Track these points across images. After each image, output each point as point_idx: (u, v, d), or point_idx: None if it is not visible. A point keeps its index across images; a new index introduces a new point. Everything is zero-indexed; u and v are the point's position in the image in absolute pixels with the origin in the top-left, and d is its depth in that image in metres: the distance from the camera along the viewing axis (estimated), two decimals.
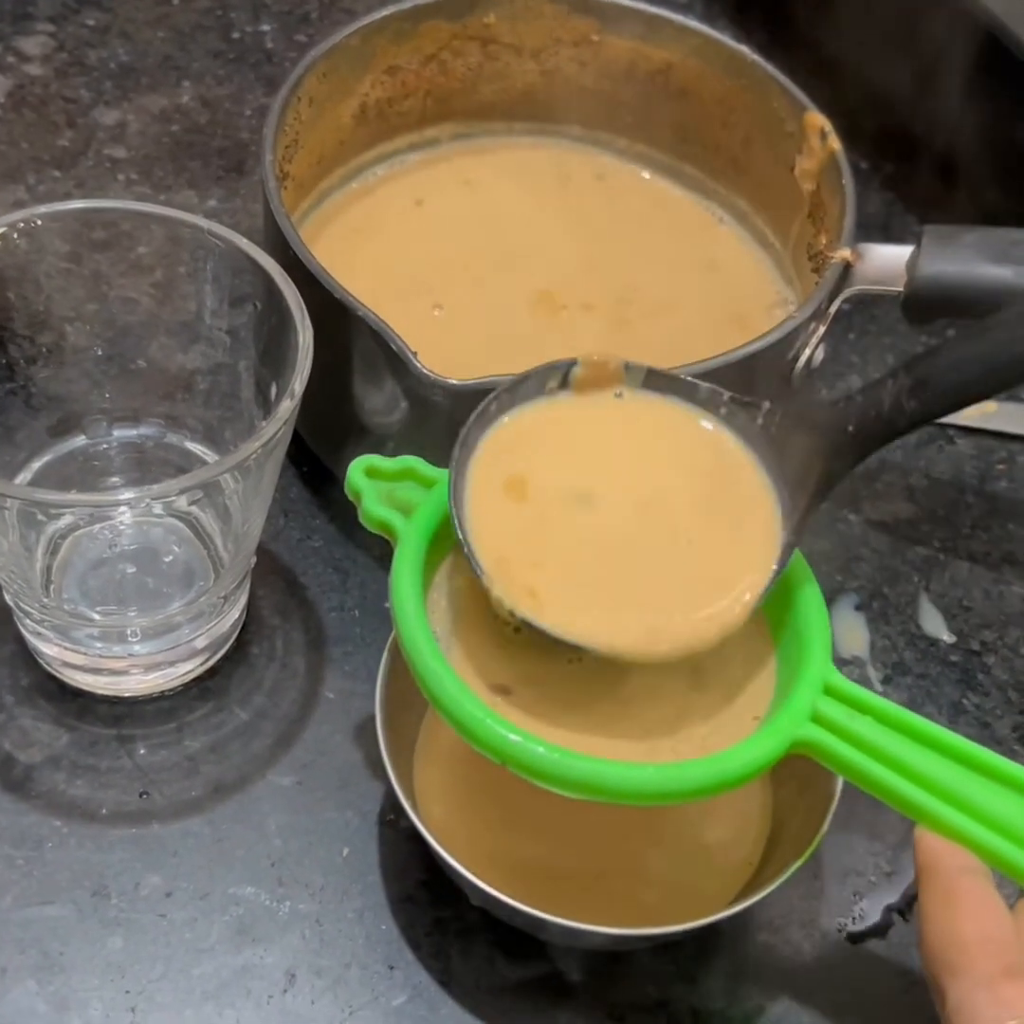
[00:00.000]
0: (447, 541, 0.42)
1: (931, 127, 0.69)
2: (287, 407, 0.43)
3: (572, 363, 0.43)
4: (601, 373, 0.43)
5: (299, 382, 0.44)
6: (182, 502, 0.43)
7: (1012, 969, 0.35)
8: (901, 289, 0.51)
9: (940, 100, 0.69)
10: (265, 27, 0.74)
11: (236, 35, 0.74)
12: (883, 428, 0.42)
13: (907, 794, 0.38)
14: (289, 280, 0.45)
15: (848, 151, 0.71)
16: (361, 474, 0.43)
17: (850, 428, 0.42)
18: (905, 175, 0.71)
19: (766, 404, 0.42)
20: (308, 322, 0.44)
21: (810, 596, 0.41)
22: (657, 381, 0.43)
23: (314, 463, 0.56)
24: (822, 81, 0.71)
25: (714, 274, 0.60)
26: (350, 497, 0.43)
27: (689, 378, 0.43)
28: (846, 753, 0.39)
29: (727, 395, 0.43)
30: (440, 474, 0.42)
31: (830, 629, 0.41)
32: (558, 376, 0.43)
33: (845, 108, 0.71)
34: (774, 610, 0.42)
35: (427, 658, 0.39)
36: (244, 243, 0.46)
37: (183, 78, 0.71)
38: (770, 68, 0.58)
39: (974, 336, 0.42)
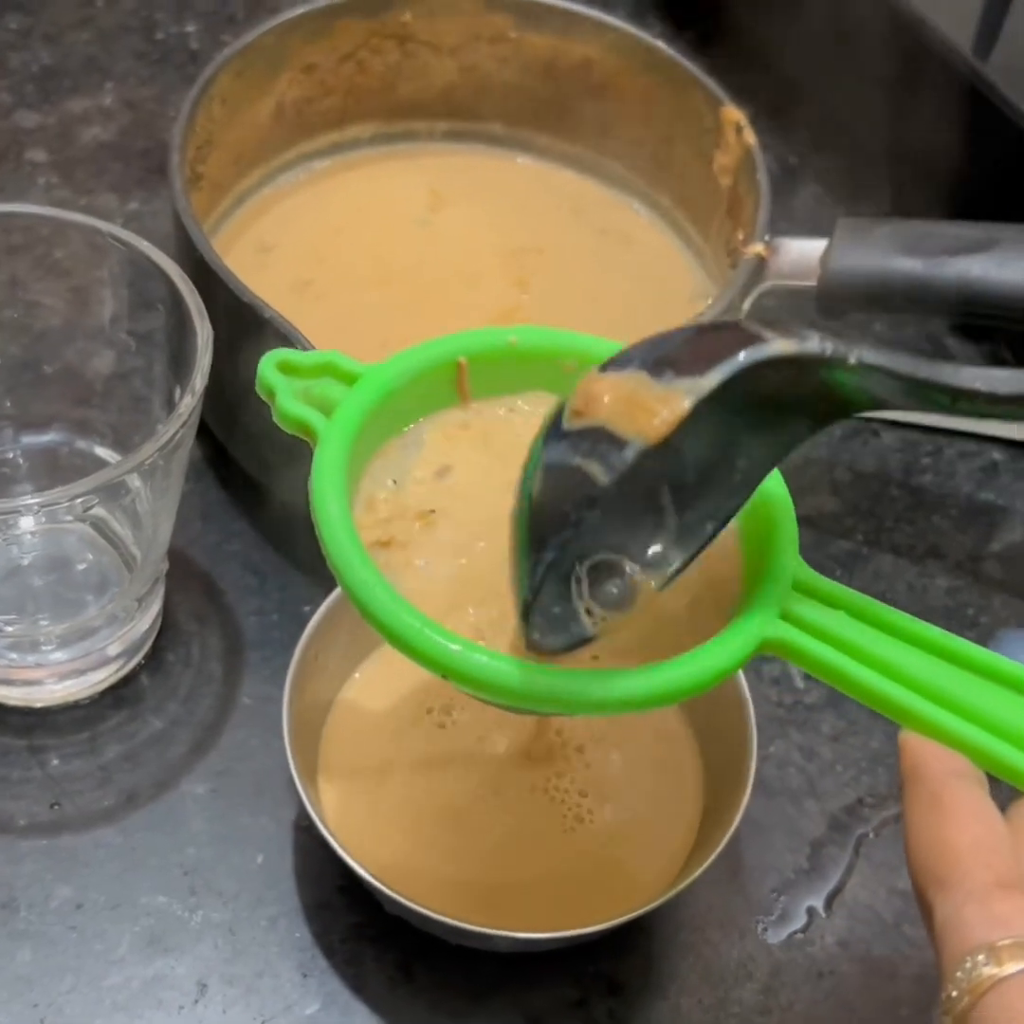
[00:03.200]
0: (372, 442, 0.38)
1: (860, 121, 0.69)
2: (187, 404, 0.43)
3: None
4: None
5: (200, 379, 0.43)
6: (82, 506, 0.42)
7: (1006, 880, 0.32)
8: (815, 283, 0.51)
9: (867, 94, 0.69)
10: (190, 28, 0.74)
11: (160, 36, 0.73)
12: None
13: (890, 694, 0.34)
14: (188, 280, 0.45)
15: (779, 145, 0.71)
16: (273, 369, 0.38)
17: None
18: (834, 169, 0.71)
19: None
20: (206, 320, 0.44)
21: (774, 489, 0.37)
22: None
23: (232, 466, 0.56)
24: (753, 76, 0.71)
25: (637, 271, 0.60)
26: (261, 395, 0.38)
27: None
28: (820, 652, 0.35)
29: None
30: (362, 369, 0.38)
31: (796, 522, 0.37)
32: None
33: (776, 103, 0.72)
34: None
35: (355, 566, 0.34)
36: (145, 246, 0.46)
37: (106, 80, 0.71)
38: (687, 63, 0.57)
39: None
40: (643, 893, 0.43)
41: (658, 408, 0.31)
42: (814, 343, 0.32)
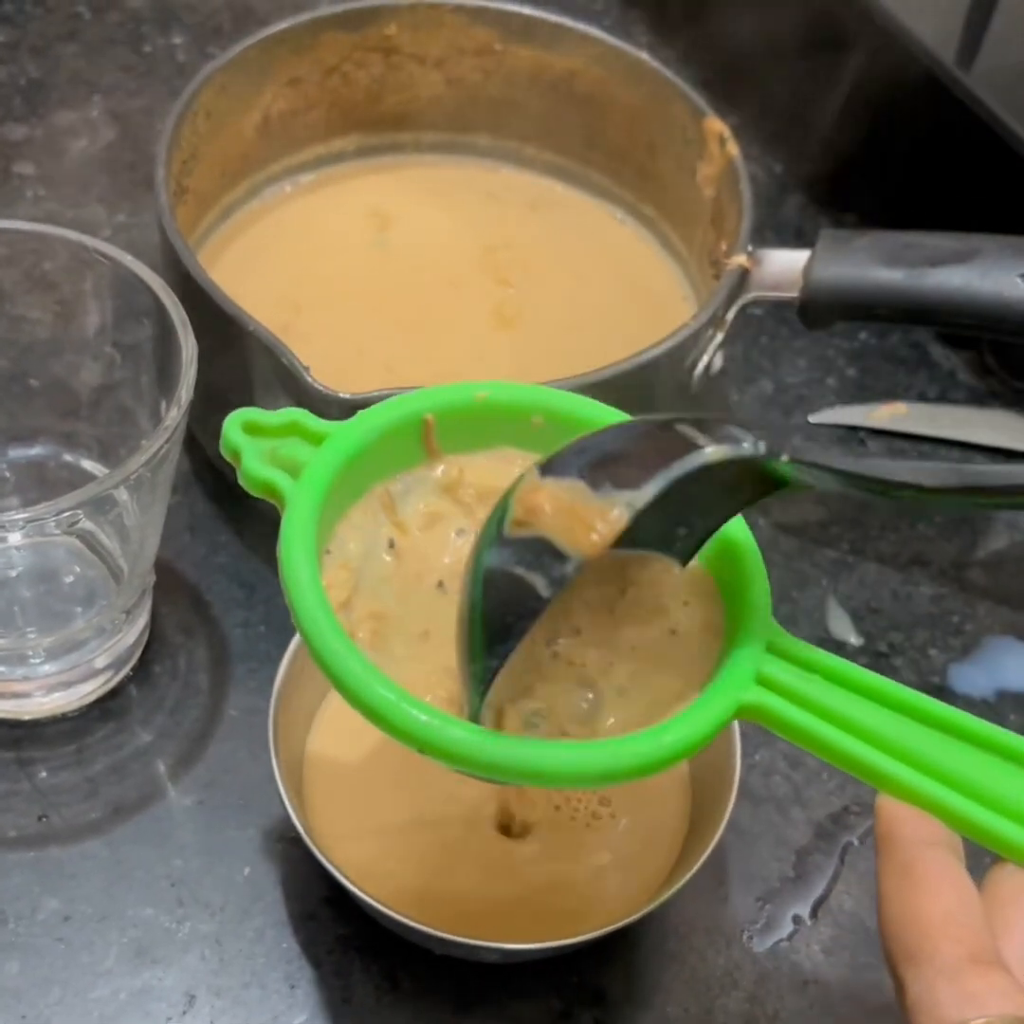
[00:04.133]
0: (340, 503, 0.38)
1: (843, 131, 0.70)
2: (174, 417, 0.43)
3: None
4: None
5: (185, 391, 0.44)
6: (68, 520, 0.42)
7: (979, 955, 0.31)
8: (797, 294, 0.51)
9: (851, 104, 0.69)
10: (177, 40, 0.74)
11: (147, 49, 0.73)
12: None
13: (865, 758, 0.34)
14: (172, 293, 0.45)
15: (764, 156, 0.72)
16: (238, 430, 0.37)
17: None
18: (819, 179, 0.71)
19: None
20: (191, 333, 0.44)
21: (743, 548, 0.38)
22: None
23: (219, 479, 0.56)
24: (740, 87, 0.72)
25: (622, 282, 0.60)
26: (226, 456, 0.38)
27: None
28: (796, 717, 0.35)
29: None
30: (329, 428, 0.38)
31: (768, 585, 0.37)
32: None
33: (761, 113, 0.72)
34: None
35: (325, 634, 0.34)
36: (129, 260, 0.46)
37: (93, 93, 0.71)
38: (670, 75, 0.58)
39: None
40: (628, 902, 0.43)
41: (595, 523, 0.32)
42: (748, 446, 0.33)
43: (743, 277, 0.52)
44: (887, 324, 0.62)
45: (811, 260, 0.51)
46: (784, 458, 0.33)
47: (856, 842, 0.49)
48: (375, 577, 0.38)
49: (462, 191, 0.62)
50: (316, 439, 0.38)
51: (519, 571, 0.33)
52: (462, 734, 0.34)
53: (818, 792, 0.50)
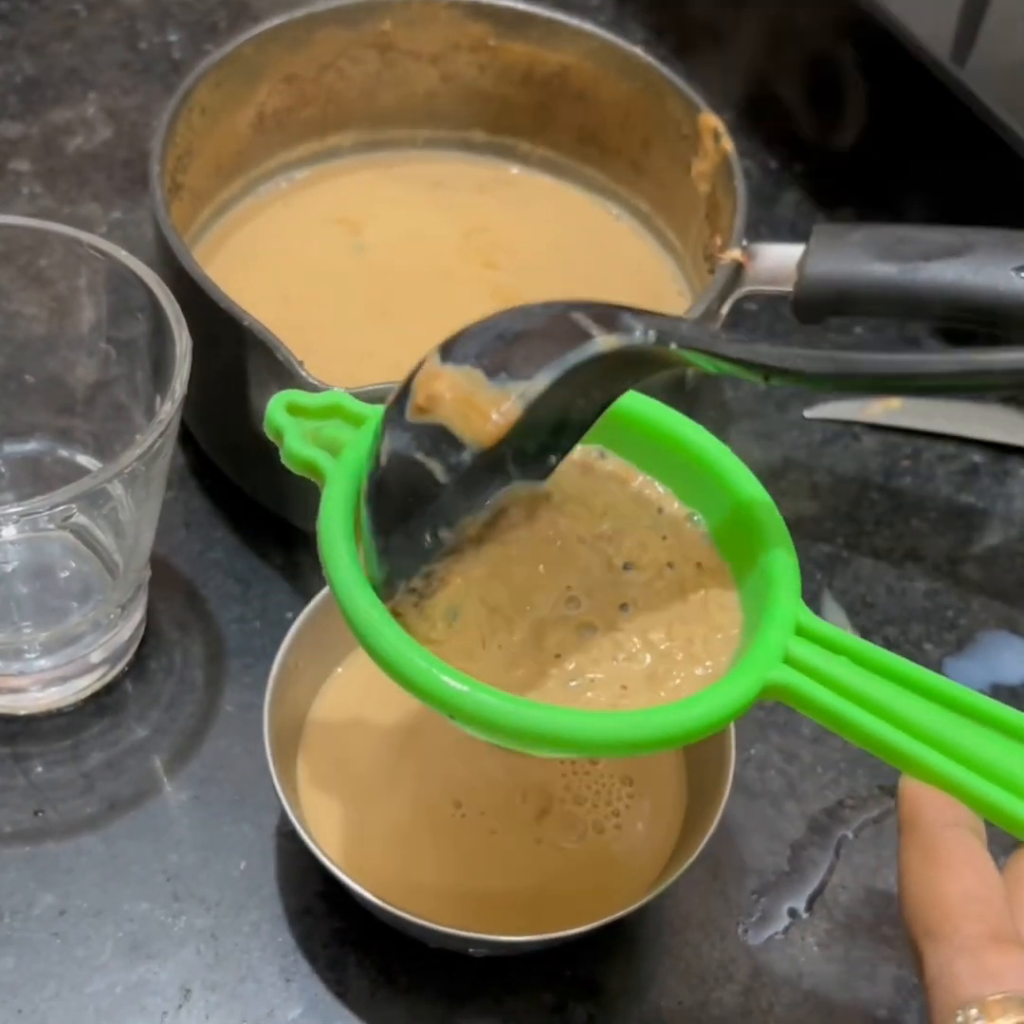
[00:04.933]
0: None
1: (838, 126, 0.70)
2: (168, 411, 0.43)
3: None
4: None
5: (179, 386, 0.44)
6: (63, 515, 0.43)
7: (999, 934, 0.31)
8: (792, 289, 0.51)
9: (846, 99, 0.69)
10: (173, 37, 0.74)
11: (143, 46, 0.73)
12: None
13: (891, 740, 0.35)
14: (166, 289, 0.45)
15: (759, 151, 0.72)
16: (282, 411, 0.39)
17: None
18: (815, 174, 0.71)
19: None
20: (185, 328, 0.44)
21: (773, 530, 0.38)
22: None
23: (215, 474, 0.56)
24: (734, 82, 0.72)
25: (617, 277, 0.60)
26: (270, 436, 0.39)
27: None
28: (824, 697, 0.35)
29: None
30: (370, 410, 0.39)
31: (797, 565, 0.38)
32: None
33: (756, 108, 0.72)
34: (735, 551, 0.39)
35: (363, 606, 0.35)
36: (124, 256, 0.46)
37: (89, 90, 0.71)
38: (665, 70, 0.58)
39: None
40: (623, 895, 0.43)
41: (491, 413, 0.34)
42: (639, 335, 0.35)
43: (737, 272, 0.52)
44: (882, 319, 0.62)
45: (805, 255, 0.51)
46: (672, 347, 0.35)
47: (851, 836, 0.49)
48: None
49: (457, 188, 0.62)
50: (357, 421, 0.39)
51: (419, 456, 0.35)
52: (492, 700, 0.34)
53: (813, 786, 0.50)
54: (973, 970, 0.31)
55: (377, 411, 0.38)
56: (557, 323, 0.35)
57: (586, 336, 0.34)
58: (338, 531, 0.36)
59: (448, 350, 0.35)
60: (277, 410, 0.39)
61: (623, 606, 0.39)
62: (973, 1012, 0.30)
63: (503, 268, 0.59)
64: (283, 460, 0.39)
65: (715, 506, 0.40)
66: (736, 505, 0.39)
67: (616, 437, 0.40)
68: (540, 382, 0.34)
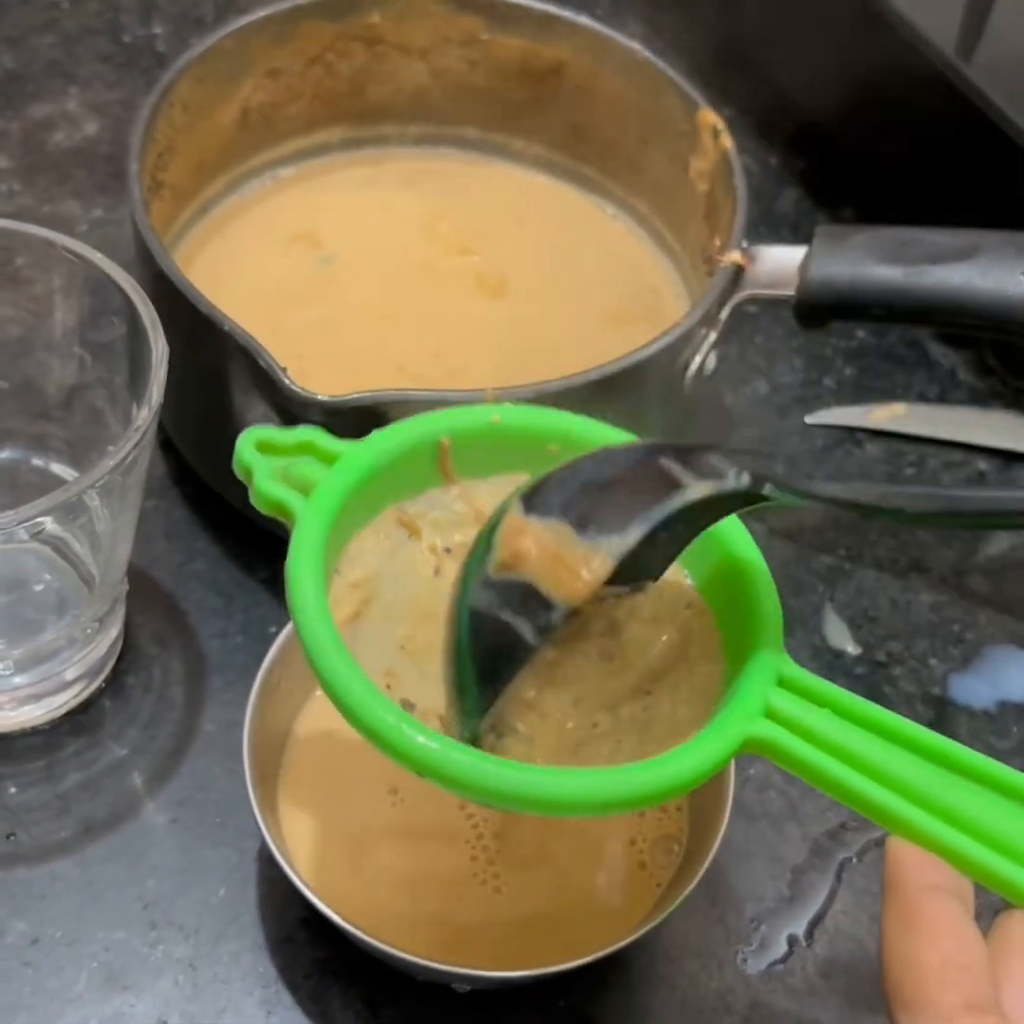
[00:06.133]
0: (351, 524, 0.37)
1: (841, 123, 0.68)
2: (144, 419, 0.42)
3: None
4: None
5: (156, 393, 0.42)
6: (38, 526, 0.41)
7: (974, 1002, 0.30)
8: (793, 292, 0.49)
9: (849, 95, 0.67)
10: (157, 30, 0.72)
11: (127, 39, 0.72)
12: None
13: (874, 797, 0.33)
14: (142, 293, 0.43)
15: (759, 149, 0.70)
16: (252, 449, 0.37)
17: None
18: (816, 173, 0.69)
19: None
20: (161, 333, 0.43)
21: (758, 578, 0.37)
22: None
23: (197, 483, 0.54)
24: (734, 78, 0.70)
25: (613, 280, 0.58)
26: (239, 475, 0.38)
27: None
28: (804, 752, 0.34)
29: None
30: (343, 447, 0.38)
31: (781, 615, 0.36)
32: None
33: (757, 105, 0.71)
34: (718, 598, 0.38)
35: (329, 655, 0.34)
36: (99, 258, 0.44)
37: (70, 84, 0.69)
38: (663, 65, 0.56)
39: None
40: (619, 925, 0.42)
41: (580, 570, 0.33)
42: (731, 480, 0.33)
43: (737, 274, 0.50)
44: (885, 323, 0.61)
45: (807, 257, 0.49)
46: (765, 491, 0.33)
47: (853, 859, 0.48)
48: (403, 599, 0.38)
49: (452, 186, 0.60)
50: (329, 458, 0.37)
51: (506, 616, 0.33)
52: (464, 759, 0.33)
53: (814, 808, 0.49)
54: None
55: (350, 446, 0.37)
56: (644, 469, 0.34)
57: (677, 485, 0.33)
58: (306, 574, 0.35)
59: (531, 501, 0.34)
60: (246, 448, 0.37)
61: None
62: None
63: (477, 252, 0.58)
64: (251, 500, 0.38)
65: (701, 554, 0.38)
66: (722, 554, 0.38)
67: None
68: (631, 537, 0.33)
